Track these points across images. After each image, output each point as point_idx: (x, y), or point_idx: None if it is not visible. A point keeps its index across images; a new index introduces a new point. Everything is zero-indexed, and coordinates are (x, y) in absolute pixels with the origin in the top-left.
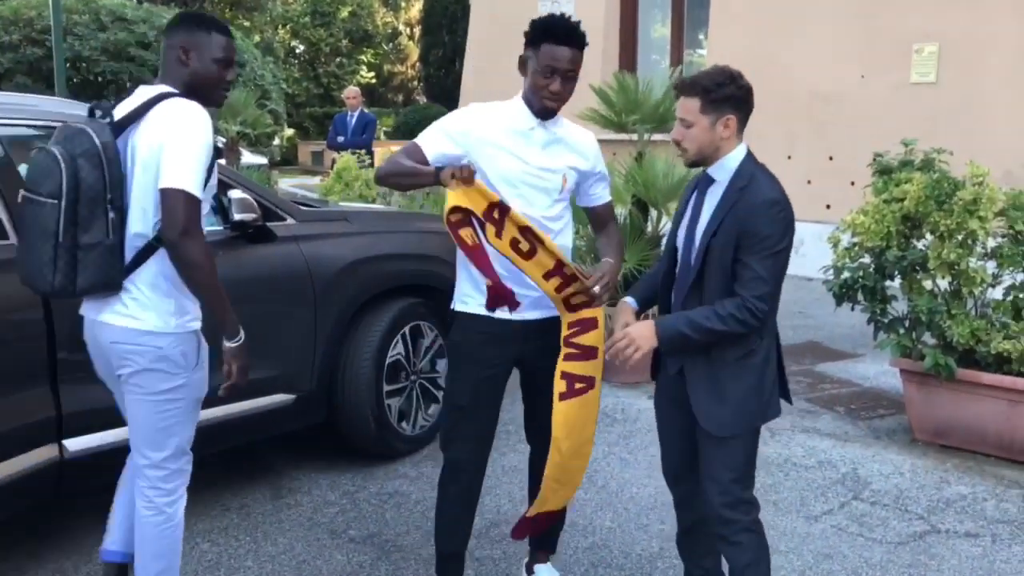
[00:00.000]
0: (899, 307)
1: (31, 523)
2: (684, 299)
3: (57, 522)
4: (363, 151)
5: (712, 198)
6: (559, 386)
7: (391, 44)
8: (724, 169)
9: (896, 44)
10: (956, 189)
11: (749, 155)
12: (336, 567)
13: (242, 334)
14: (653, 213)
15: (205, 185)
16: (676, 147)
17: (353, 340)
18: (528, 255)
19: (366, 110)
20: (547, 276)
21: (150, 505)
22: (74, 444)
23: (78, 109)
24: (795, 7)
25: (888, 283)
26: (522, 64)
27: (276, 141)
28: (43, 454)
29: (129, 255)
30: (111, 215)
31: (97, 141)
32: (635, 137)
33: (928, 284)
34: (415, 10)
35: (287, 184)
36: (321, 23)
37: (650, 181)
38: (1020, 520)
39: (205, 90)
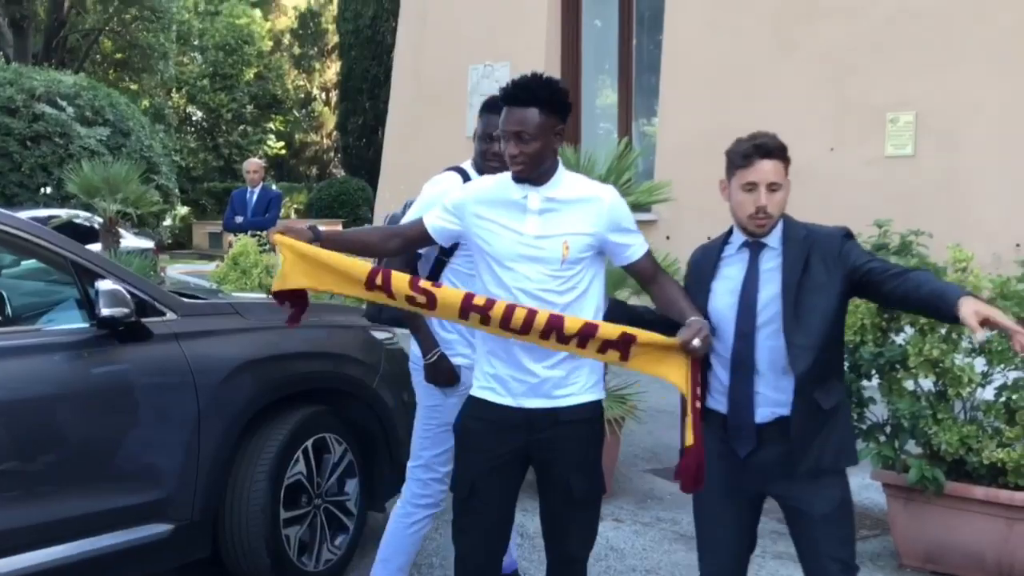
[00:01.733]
0: (878, 411)
1: None
2: (751, 370)
3: None
4: (265, 233)
5: (771, 262)
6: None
7: (304, 110)
8: (776, 234)
9: (868, 113)
10: (937, 276)
11: (787, 215)
12: None
13: None
14: None
15: None
16: (751, 216)
17: (244, 457)
18: (429, 305)
19: (271, 185)
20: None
21: (400, 504)
22: None
23: None
24: (755, 74)
25: (865, 383)
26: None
27: (167, 221)
28: None
29: None
30: None
31: None
32: None
33: (909, 384)
34: (331, 73)
35: (177, 271)
36: (222, 87)
37: None
38: None
39: None
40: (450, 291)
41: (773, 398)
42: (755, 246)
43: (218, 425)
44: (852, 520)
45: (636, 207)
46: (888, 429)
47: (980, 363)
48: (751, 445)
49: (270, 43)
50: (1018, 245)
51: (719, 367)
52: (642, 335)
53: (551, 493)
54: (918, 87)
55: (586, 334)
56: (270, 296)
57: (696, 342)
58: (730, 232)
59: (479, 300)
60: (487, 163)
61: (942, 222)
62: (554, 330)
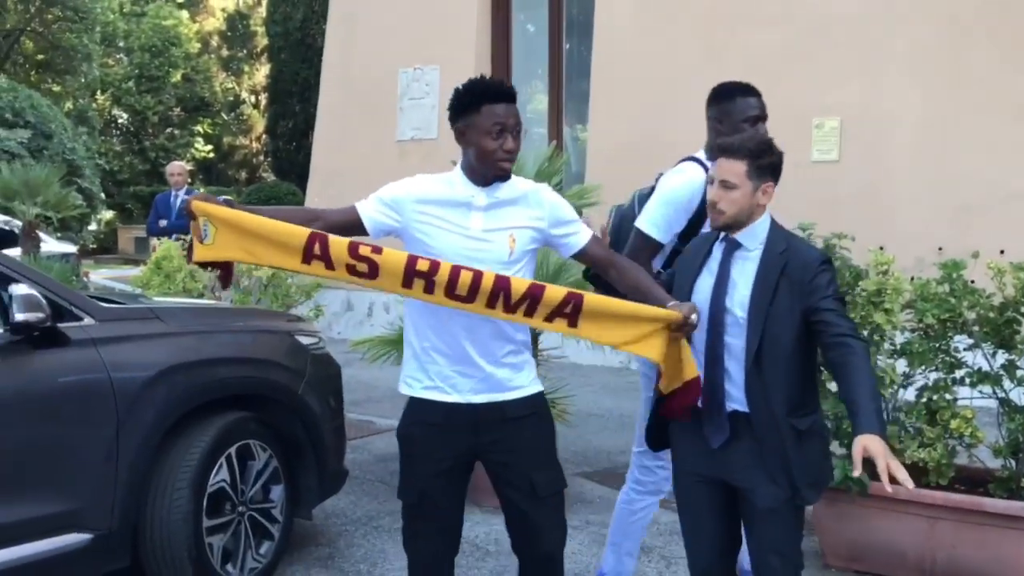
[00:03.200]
0: None
1: None
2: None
3: None
4: (189, 237)
5: (746, 265)
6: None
7: (232, 113)
8: (754, 236)
9: (795, 119)
10: (859, 279)
11: (775, 221)
12: None
13: None
14: None
15: None
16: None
17: (166, 465)
18: (371, 274)
19: (196, 189)
20: (488, 303)
21: (626, 489)
22: None
23: None
24: (684, 80)
25: None
26: (461, 135)
27: (92, 226)
28: None
29: None
30: None
31: None
32: None
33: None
34: (261, 75)
35: (101, 276)
36: (148, 89)
37: None
38: None
39: None
40: (393, 255)
41: (737, 397)
42: (728, 242)
43: (138, 432)
44: (801, 516)
45: None
46: None
47: (902, 364)
48: (725, 435)
49: (198, 45)
50: (940, 249)
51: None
52: (594, 298)
53: (514, 493)
54: (842, 94)
55: (534, 296)
56: (193, 266)
57: (694, 317)
58: None
59: (423, 264)
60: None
61: (865, 226)
62: (501, 292)
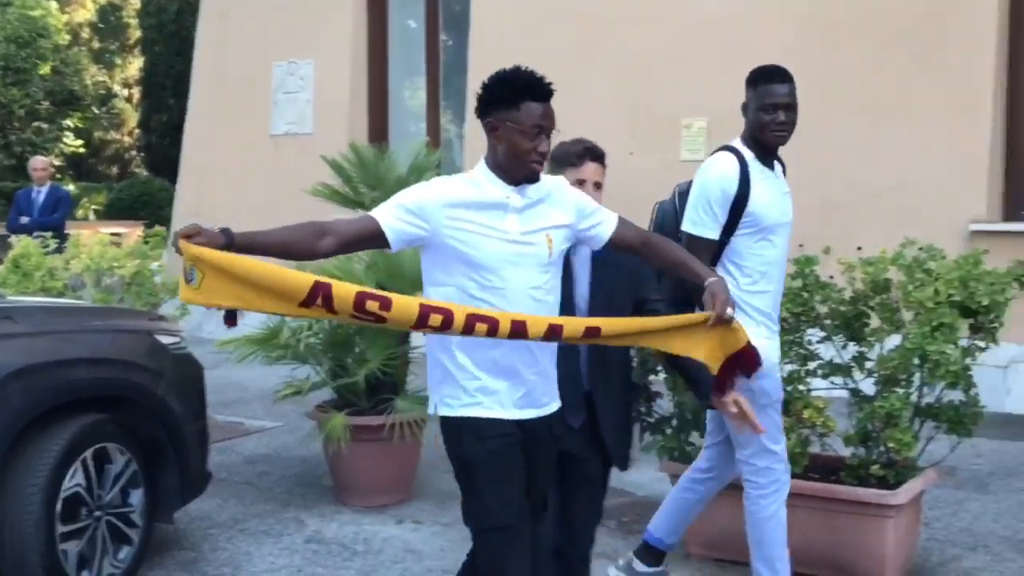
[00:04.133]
0: (665, 405)
1: None
2: None
3: None
4: (51, 234)
5: (586, 260)
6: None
7: (104, 107)
8: None
9: (665, 119)
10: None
11: None
12: None
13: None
14: None
15: None
16: None
17: (17, 470)
18: (376, 322)
19: (61, 184)
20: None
21: (747, 497)
22: None
23: None
24: (558, 77)
25: (652, 378)
26: (492, 129)
27: None
28: None
29: None
30: None
31: None
32: None
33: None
34: (134, 68)
35: None
36: (14, 81)
37: (395, 268)
38: None
39: None
40: (402, 309)
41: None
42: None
43: None
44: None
45: None
46: (674, 422)
47: None
48: (583, 415)
49: (67, 36)
50: (801, 245)
51: None
52: (612, 325)
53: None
54: (710, 95)
55: (554, 331)
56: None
57: (729, 311)
58: None
59: (435, 319)
60: (772, 134)
61: None
62: (517, 335)
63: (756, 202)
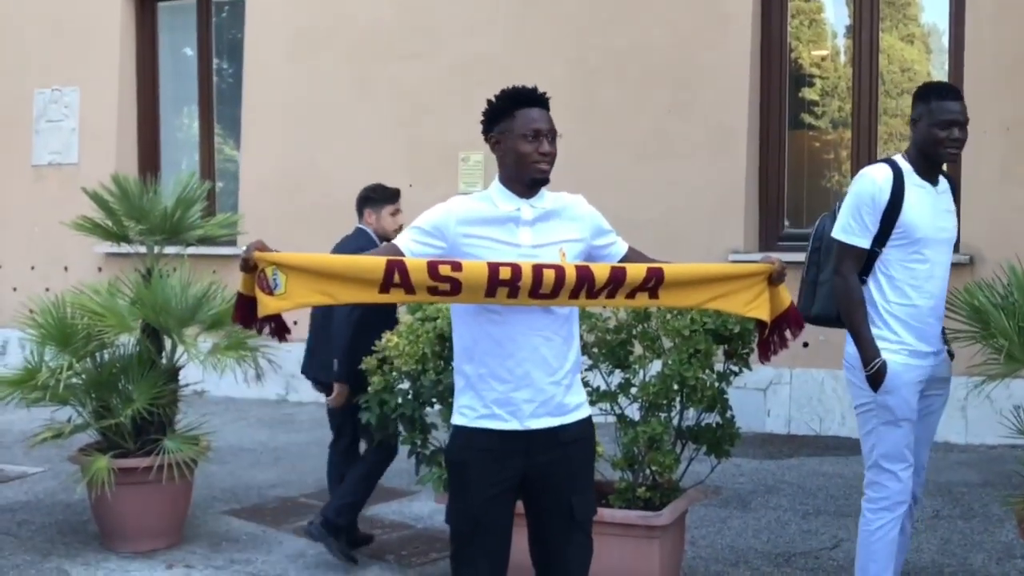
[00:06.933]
0: (440, 436)
1: None
2: None
3: None
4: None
5: None
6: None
7: None
8: None
9: (442, 152)
10: None
11: None
12: None
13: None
14: (168, 342)
15: None
16: None
17: None
18: (452, 292)
19: None
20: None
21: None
22: None
23: None
24: (334, 111)
25: (428, 410)
26: (496, 144)
27: None
28: None
29: None
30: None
31: None
32: (143, 250)
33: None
34: None
35: None
36: None
37: (162, 304)
38: None
39: None
40: (474, 268)
41: None
42: None
43: None
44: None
45: (207, 241)
46: None
47: None
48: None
49: None
50: None
51: None
52: (674, 269)
53: (550, 518)
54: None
55: (617, 279)
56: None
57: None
58: None
59: (505, 272)
60: (946, 151)
61: None
62: (585, 283)
63: (909, 213)
